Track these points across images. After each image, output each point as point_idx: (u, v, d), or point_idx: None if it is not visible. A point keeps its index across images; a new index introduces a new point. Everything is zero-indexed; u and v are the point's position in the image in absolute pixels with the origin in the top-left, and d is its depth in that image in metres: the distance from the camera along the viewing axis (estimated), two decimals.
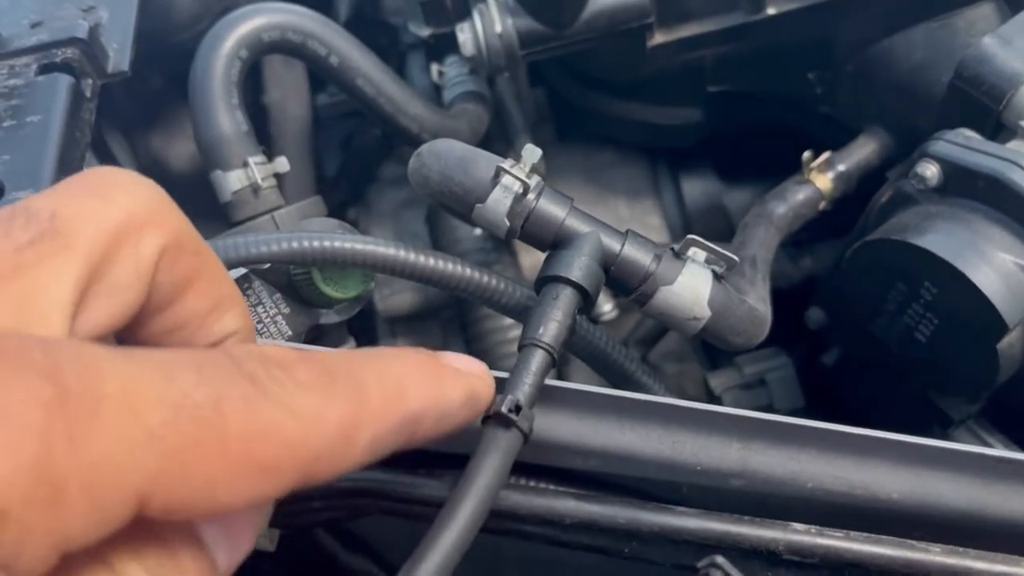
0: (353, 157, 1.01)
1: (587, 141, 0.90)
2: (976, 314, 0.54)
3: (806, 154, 0.68)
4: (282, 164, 0.62)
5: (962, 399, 0.62)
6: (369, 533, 0.63)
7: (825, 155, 0.69)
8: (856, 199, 0.69)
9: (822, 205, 0.69)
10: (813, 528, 0.48)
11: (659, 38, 0.72)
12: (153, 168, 0.90)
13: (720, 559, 0.41)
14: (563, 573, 0.60)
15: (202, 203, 0.73)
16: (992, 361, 0.55)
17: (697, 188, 0.86)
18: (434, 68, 0.76)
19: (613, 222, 0.51)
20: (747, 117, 0.79)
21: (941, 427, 0.64)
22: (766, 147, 0.78)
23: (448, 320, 0.87)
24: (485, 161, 0.50)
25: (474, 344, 0.79)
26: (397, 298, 0.86)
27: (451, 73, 0.76)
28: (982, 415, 0.65)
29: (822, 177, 0.69)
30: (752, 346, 0.55)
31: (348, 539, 0.63)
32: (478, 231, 0.81)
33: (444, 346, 0.86)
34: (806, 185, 0.69)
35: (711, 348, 0.91)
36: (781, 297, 0.77)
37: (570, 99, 0.85)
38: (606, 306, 0.78)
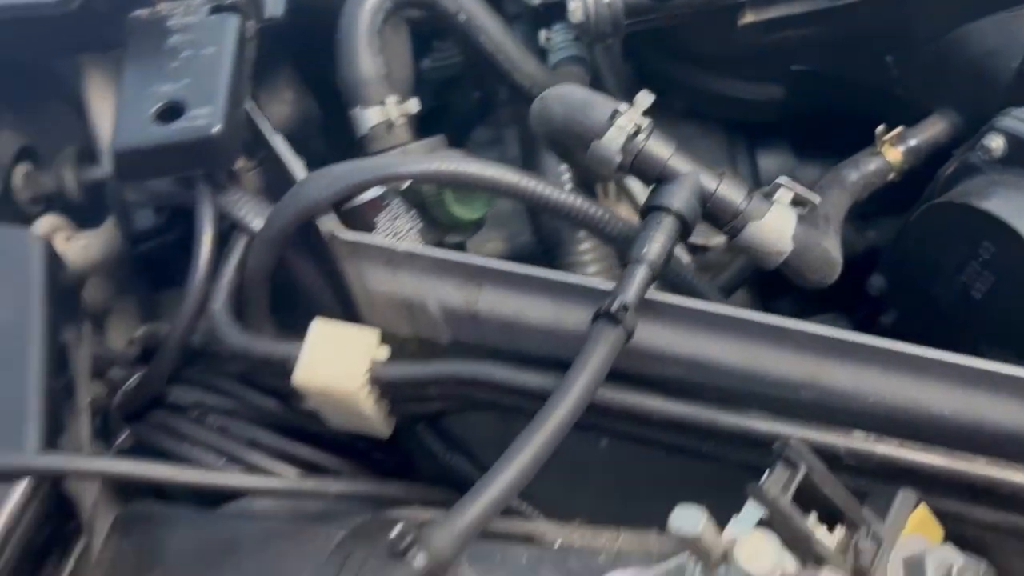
0: (449, 119, 1.09)
1: (670, 114, 0.96)
2: None
3: (879, 128, 0.75)
4: (414, 105, 0.70)
5: (1012, 353, 0.68)
6: (466, 433, 0.71)
7: (897, 130, 0.75)
8: (922, 179, 0.76)
9: (891, 176, 0.76)
10: (872, 436, 0.54)
11: (749, 17, 0.78)
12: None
13: (793, 440, 0.48)
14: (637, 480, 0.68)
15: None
16: None
17: (771, 163, 0.92)
18: (542, 34, 0.84)
19: None
20: (825, 96, 0.85)
21: None
22: (839, 126, 0.84)
23: None
24: (603, 104, 0.57)
25: None
26: (488, 246, 0.93)
27: (557, 39, 0.83)
28: None
29: (893, 150, 0.75)
30: (824, 285, 0.62)
31: (447, 439, 0.72)
32: (567, 186, 0.88)
33: None
34: (878, 156, 0.75)
35: (771, 309, 0.97)
36: (844, 267, 0.84)
37: (658, 72, 0.92)
38: (684, 259, 0.85)
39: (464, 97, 1.03)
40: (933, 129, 0.76)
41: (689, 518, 0.44)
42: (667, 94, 0.94)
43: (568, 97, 0.58)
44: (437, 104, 1.11)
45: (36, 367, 0.57)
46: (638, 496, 0.61)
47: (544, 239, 0.89)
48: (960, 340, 0.71)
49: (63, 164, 0.93)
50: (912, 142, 0.75)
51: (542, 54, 0.86)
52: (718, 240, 0.86)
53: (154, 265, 0.93)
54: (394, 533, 0.45)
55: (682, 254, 0.85)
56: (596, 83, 0.89)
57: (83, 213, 0.89)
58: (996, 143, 0.64)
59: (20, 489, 0.53)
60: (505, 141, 1.01)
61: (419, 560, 0.45)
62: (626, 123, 0.56)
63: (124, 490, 0.67)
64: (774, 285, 0.91)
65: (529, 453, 0.47)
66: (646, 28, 0.79)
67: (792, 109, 0.89)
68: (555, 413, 0.49)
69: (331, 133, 0.88)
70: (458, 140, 1.07)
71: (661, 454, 0.62)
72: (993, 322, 0.66)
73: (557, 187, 0.60)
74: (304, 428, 0.66)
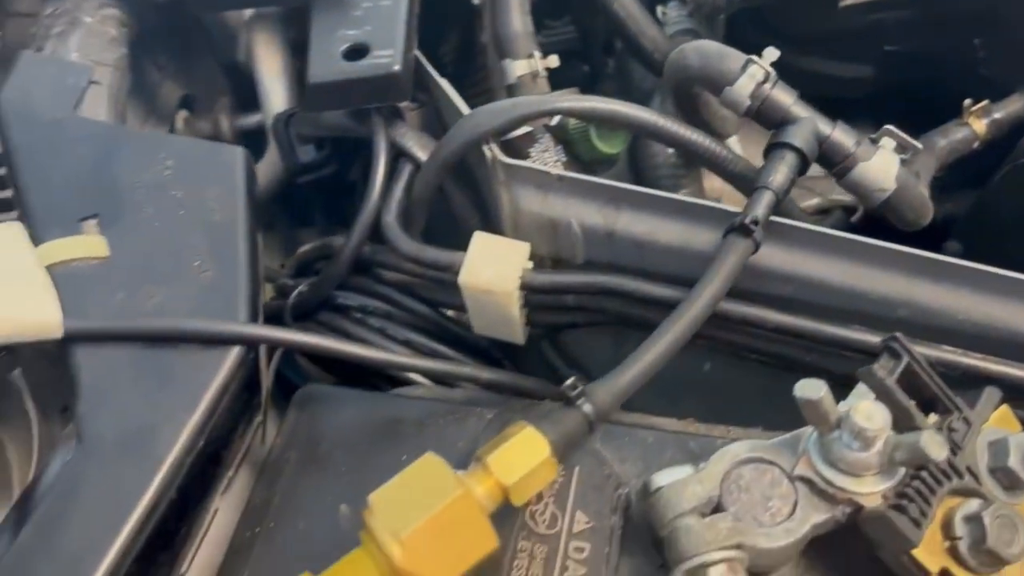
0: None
1: None
2: None
3: (967, 101, 0.83)
4: (553, 60, 0.80)
5: None
6: (581, 354, 0.81)
7: (983, 103, 0.83)
8: (999, 154, 0.84)
9: (975, 144, 0.84)
10: (959, 350, 0.63)
11: None
12: None
13: (899, 334, 0.57)
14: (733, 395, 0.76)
15: None
16: None
17: None
18: (659, 9, 0.94)
19: None
20: (912, 75, 0.94)
21: None
22: (917, 105, 0.93)
23: None
24: (736, 55, 0.67)
25: None
26: None
27: (672, 14, 0.93)
28: None
29: (978, 122, 0.83)
30: (919, 226, 0.71)
31: (566, 356, 0.81)
32: (673, 157, 0.98)
33: None
34: (964, 127, 0.84)
35: None
36: (922, 233, 0.92)
37: (754, 49, 1.01)
38: None
39: (574, 69, 1.13)
40: (1016, 105, 0.84)
41: (812, 386, 0.53)
42: None
43: (705, 48, 0.68)
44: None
45: (243, 255, 0.67)
46: (736, 416, 0.70)
47: None
48: None
49: (219, 111, 1.05)
50: (996, 115, 0.84)
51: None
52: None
53: (295, 205, 1.05)
54: (567, 383, 0.54)
55: None
56: None
57: None
58: None
59: (234, 353, 0.64)
60: None
61: (586, 407, 0.54)
62: (757, 71, 0.66)
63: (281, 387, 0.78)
64: None
65: (675, 331, 0.57)
66: (753, 5, 0.89)
67: (879, 87, 0.97)
68: (695, 302, 0.58)
69: None
70: None
71: (759, 376, 0.71)
72: None
73: (689, 128, 0.69)
74: (451, 333, 0.76)
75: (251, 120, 1.02)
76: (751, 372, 0.73)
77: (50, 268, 0.64)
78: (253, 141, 0.97)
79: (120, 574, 0.55)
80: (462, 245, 0.68)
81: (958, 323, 0.63)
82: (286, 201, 1.01)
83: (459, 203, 0.76)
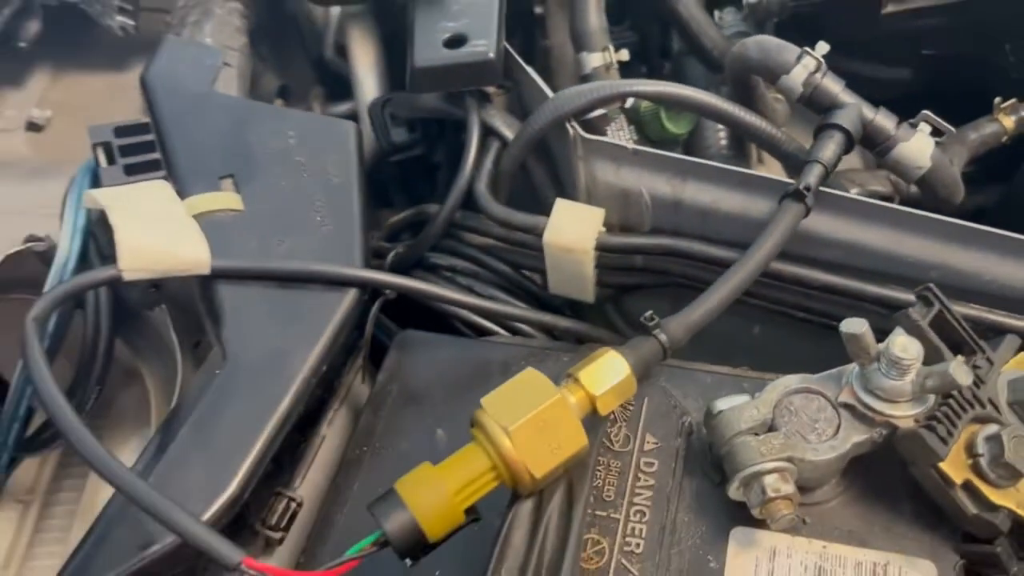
0: None
1: None
2: None
3: (997, 99, 0.92)
4: (624, 54, 0.90)
5: None
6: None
7: (1011, 101, 0.92)
8: None
9: (1004, 139, 0.93)
10: (985, 308, 0.72)
11: (891, 7, 0.97)
12: None
13: (932, 285, 0.66)
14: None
15: None
16: None
17: None
18: (716, 14, 1.04)
19: None
20: (947, 77, 1.03)
21: None
22: (952, 107, 1.02)
23: None
24: (791, 48, 0.77)
25: None
26: None
27: (728, 18, 1.03)
28: None
29: (1008, 118, 0.92)
30: (953, 204, 0.80)
31: (628, 319, 0.91)
32: (724, 141, 1.07)
33: None
34: (994, 122, 0.92)
35: None
36: None
37: None
38: None
39: (633, 70, 1.23)
40: None
41: (855, 323, 0.63)
42: None
43: (764, 42, 0.78)
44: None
45: (357, 213, 0.78)
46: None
47: None
48: None
49: (312, 100, 1.16)
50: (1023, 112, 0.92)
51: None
52: None
53: (376, 187, 1.15)
54: (643, 316, 0.64)
55: None
56: None
57: None
58: None
59: (351, 295, 0.74)
60: None
61: (662, 336, 0.64)
62: (810, 62, 0.75)
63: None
64: None
65: (737, 278, 0.66)
66: (804, 11, 0.98)
67: (916, 87, 1.06)
68: (755, 255, 0.68)
69: None
70: None
71: (804, 340, 0.80)
72: None
73: (747, 111, 0.79)
74: (529, 291, 0.86)
75: (340, 108, 1.13)
76: (796, 335, 0.83)
77: (195, 218, 0.75)
78: None
79: (260, 471, 0.65)
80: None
81: (985, 284, 0.72)
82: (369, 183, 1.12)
83: (539, 177, 0.86)
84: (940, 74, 1.03)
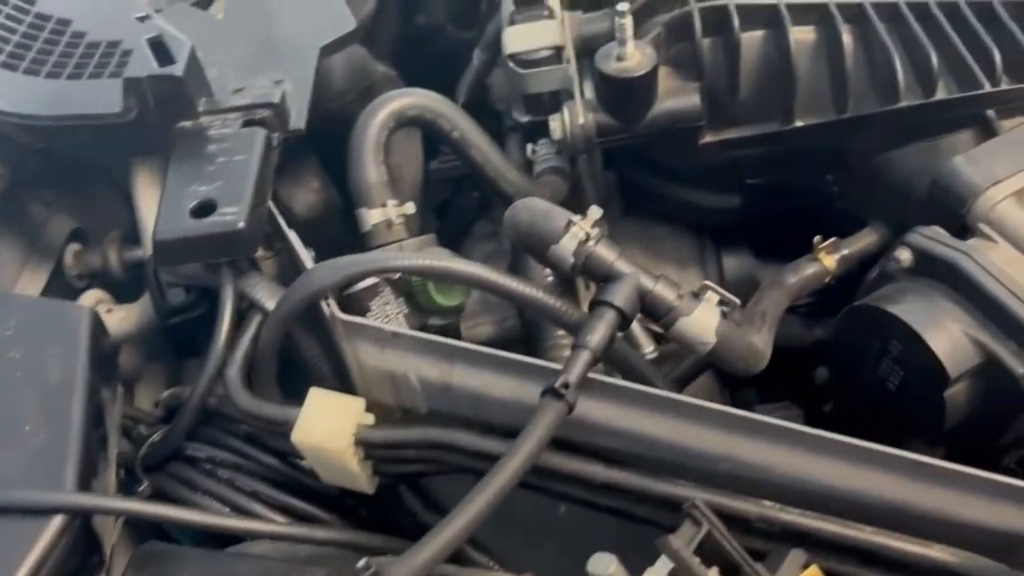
0: (453, 213, 1.22)
1: (646, 217, 1.08)
2: (929, 367, 0.70)
3: (817, 238, 0.86)
4: (410, 207, 0.83)
5: (923, 442, 0.77)
6: (443, 494, 0.81)
7: (831, 240, 0.86)
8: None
9: (827, 280, 0.86)
10: (778, 505, 0.64)
11: (708, 137, 0.91)
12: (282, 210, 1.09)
13: (699, 501, 0.57)
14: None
15: (315, 247, 0.92)
16: (940, 407, 0.71)
17: (735, 262, 1.03)
18: (529, 146, 0.97)
19: None
20: (777, 205, 0.97)
21: None
22: (793, 231, 0.95)
23: (519, 353, 1.05)
24: (560, 214, 0.69)
25: None
26: (478, 330, 1.04)
27: (541, 151, 0.96)
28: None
29: (828, 258, 0.86)
30: (752, 373, 0.72)
31: (427, 499, 0.81)
32: (550, 277, 1.00)
33: None
34: (815, 263, 0.86)
35: (737, 401, 1.07)
36: (795, 359, 0.94)
37: (634, 180, 1.04)
38: (648, 347, 0.95)
39: (466, 195, 1.16)
40: (864, 240, 0.87)
41: (603, 561, 0.54)
42: (643, 200, 1.07)
43: (533, 207, 0.70)
44: (444, 200, 1.25)
45: (78, 419, 0.67)
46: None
47: (527, 323, 1.00)
48: (886, 427, 0.81)
49: (108, 245, 1.06)
50: (845, 251, 0.86)
51: (529, 164, 0.99)
52: None
53: (181, 337, 1.05)
54: (359, 565, 0.54)
55: (646, 342, 0.95)
56: (577, 192, 1.02)
57: (124, 288, 1.02)
58: (905, 255, 0.75)
59: (55, 523, 0.63)
60: (500, 235, 1.13)
61: None
62: (579, 231, 0.68)
63: (138, 533, 0.77)
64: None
65: (476, 507, 0.57)
66: (616, 146, 0.92)
67: (750, 215, 1.00)
68: (500, 473, 0.59)
69: (350, 220, 1.00)
70: (460, 232, 1.20)
71: (611, 519, 0.71)
72: (906, 412, 0.76)
73: (522, 281, 0.70)
74: (300, 483, 0.76)
75: (138, 254, 1.03)
76: (604, 515, 0.74)
77: None
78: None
79: None
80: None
81: (777, 478, 0.64)
82: (175, 332, 1.02)
83: (310, 351, 0.77)
84: (769, 203, 0.97)
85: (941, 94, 0.81)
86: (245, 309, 0.78)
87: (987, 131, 0.81)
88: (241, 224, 0.73)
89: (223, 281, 0.76)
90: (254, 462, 0.76)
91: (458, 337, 1.03)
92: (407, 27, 1.39)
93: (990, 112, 0.81)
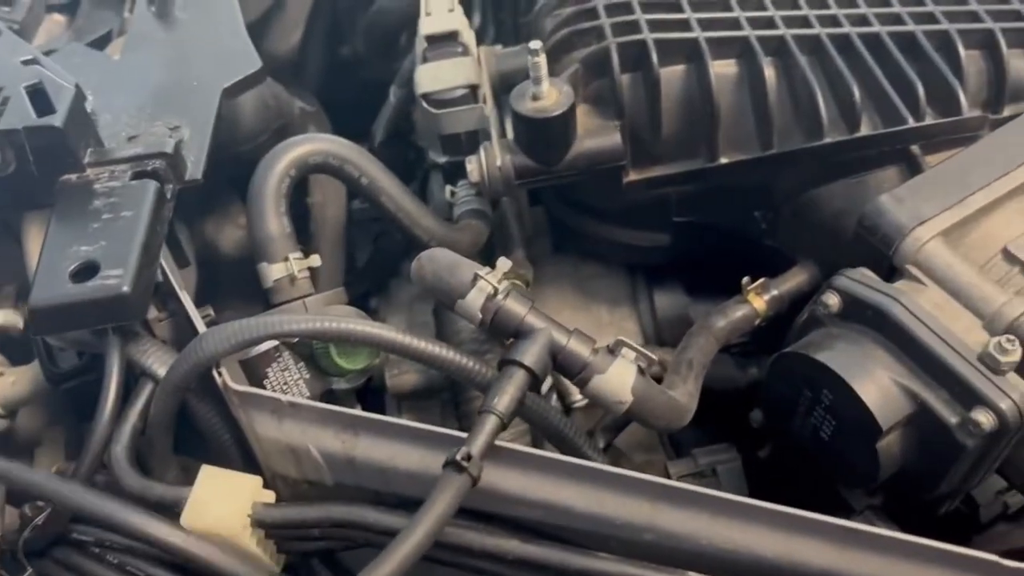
0: (379, 254, 1.17)
1: (577, 255, 1.04)
2: (860, 418, 0.67)
3: (745, 279, 0.82)
4: (315, 260, 0.77)
5: (858, 491, 0.74)
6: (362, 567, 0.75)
7: (760, 281, 0.82)
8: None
9: (757, 322, 0.83)
10: None
11: (632, 176, 0.87)
12: (205, 248, 1.05)
13: None
14: None
15: (244, 283, 0.88)
16: (873, 458, 0.67)
17: (667, 300, 1.00)
18: (448, 188, 0.92)
19: (595, 326, 0.65)
20: (707, 243, 0.94)
21: (845, 515, 0.75)
22: (725, 268, 0.92)
23: (446, 400, 1.00)
24: (467, 267, 0.65)
25: (464, 420, 0.92)
26: (404, 378, 0.99)
27: (461, 193, 0.92)
28: (884, 508, 0.76)
29: (758, 299, 0.82)
30: (673, 430, 0.68)
31: (341, 572, 0.76)
32: (472, 328, 0.95)
33: (441, 422, 0.98)
34: (744, 304, 0.82)
35: (675, 441, 1.03)
36: (730, 400, 0.90)
37: (561, 220, 1.00)
38: (577, 395, 0.90)
39: (392, 234, 1.11)
40: (795, 280, 0.84)
41: None
42: (572, 239, 1.03)
43: (437, 260, 0.65)
44: (371, 238, 1.20)
45: None
46: None
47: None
48: (820, 475, 0.78)
49: (3, 301, 0.99)
50: (775, 292, 0.83)
51: (450, 207, 0.95)
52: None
53: (81, 398, 0.99)
54: None
55: (574, 389, 0.91)
56: (502, 232, 0.98)
57: (26, 346, 0.95)
58: (832, 300, 0.71)
59: None
60: None
61: None
62: (485, 286, 0.63)
63: None
64: None
65: None
66: (538, 187, 0.88)
67: (679, 254, 0.97)
68: (394, 554, 0.54)
69: None
70: (388, 271, 1.15)
71: None
72: (840, 461, 0.72)
73: (429, 341, 0.66)
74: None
75: None
76: None
77: None
78: None
79: None
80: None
81: (702, 547, 0.60)
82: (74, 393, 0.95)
83: (206, 423, 0.71)
84: (697, 240, 0.94)
85: (865, 129, 0.78)
86: (137, 376, 0.72)
87: (912, 167, 0.79)
88: (126, 288, 0.67)
89: (109, 348, 0.70)
90: (147, 543, 0.70)
91: (382, 385, 0.99)
92: (334, 58, 1.35)
93: (915, 147, 0.78)
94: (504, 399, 0.60)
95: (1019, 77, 0.83)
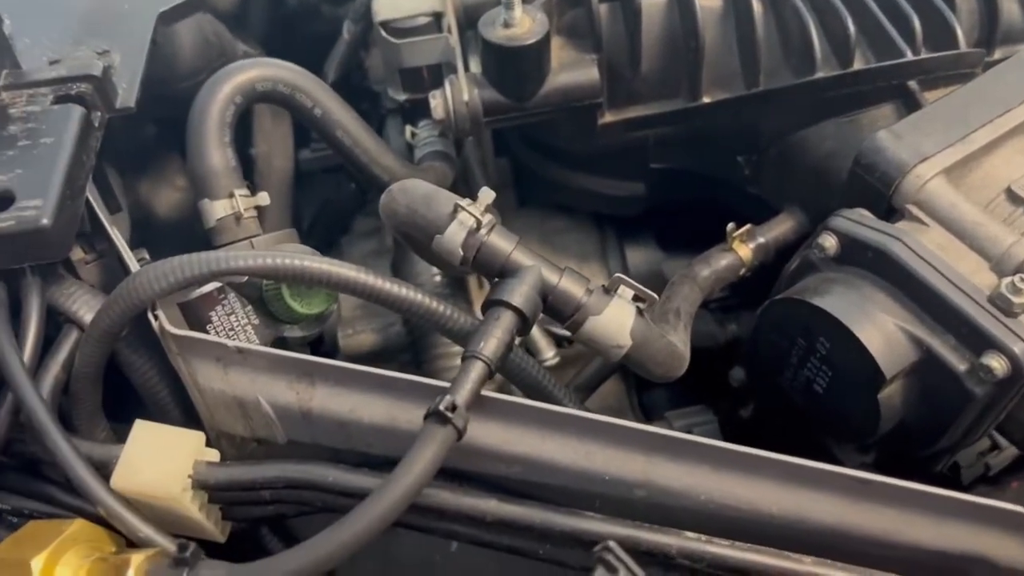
0: (329, 209, 1.09)
1: (544, 208, 0.98)
2: (861, 366, 0.62)
3: (730, 225, 0.77)
4: (263, 198, 0.69)
5: (853, 447, 0.70)
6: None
7: (746, 227, 0.77)
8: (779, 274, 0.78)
9: (742, 271, 0.78)
10: (703, 536, 0.54)
11: (608, 117, 0.81)
12: (139, 209, 0.95)
13: (612, 543, 0.47)
14: None
15: (181, 246, 0.79)
16: (874, 410, 0.63)
17: (639, 256, 0.95)
18: (408, 129, 0.85)
19: None
20: (685, 193, 0.88)
21: None
22: (702, 221, 0.87)
23: (406, 362, 0.93)
24: (445, 198, 0.58)
25: None
26: (358, 338, 0.92)
27: (422, 134, 0.85)
28: (876, 467, 0.72)
29: (743, 247, 0.77)
30: (672, 378, 0.63)
31: (292, 543, 0.68)
32: (437, 276, 0.88)
33: None
34: (729, 253, 0.77)
35: (646, 404, 0.98)
36: (708, 359, 0.85)
37: (529, 168, 0.94)
38: (548, 352, 0.85)
39: (342, 188, 1.03)
40: (781, 227, 0.79)
41: None
42: (540, 190, 0.97)
43: (411, 191, 0.58)
44: (326, 200, 1.12)
45: None
46: None
47: (414, 329, 0.89)
48: (810, 433, 0.73)
49: None
50: (761, 239, 0.78)
51: (410, 149, 0.87)
52: None
53: None
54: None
55: (545, 347, 0.85)
56: (465, 181, 0.91)
57: None
58: (829, 242, 0.67)
59: None
60: (383, 232, 1.01)
61: None
62: (467, 218, 0.57)
63: None
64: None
65: (329, 546, 0.46)
66: (507, 126, 0.81)
67: (655, 204, 0.91)
68: (371, 510, 0.47)
69: None
70: (338, 228, 1.07)
71: (508, 558, 0.60)
72: (836, 416, 0.68)
73: (397, 282, 0.59)
74: None
75: None
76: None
77: None
78: None
79: None
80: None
81: (701, 504, 0.55)
82: None
83: (143, 375, 0.63)
84: (675, 190, 0.89)
85: (859, 64, 0.74)
86: (60, 323, 0.64)
87: (910, 104, 0.74)
88: (45, 220, 0.59)
89: (27, 291, 0.61)
90: (74, 512, 0.61)
91: (335, 346, 0.91)
92: (278, 9, 1.26)
93: (912, 83, 0.74)
94: (491, 343, 0.53)
95: (1011, 19, 0.80)
